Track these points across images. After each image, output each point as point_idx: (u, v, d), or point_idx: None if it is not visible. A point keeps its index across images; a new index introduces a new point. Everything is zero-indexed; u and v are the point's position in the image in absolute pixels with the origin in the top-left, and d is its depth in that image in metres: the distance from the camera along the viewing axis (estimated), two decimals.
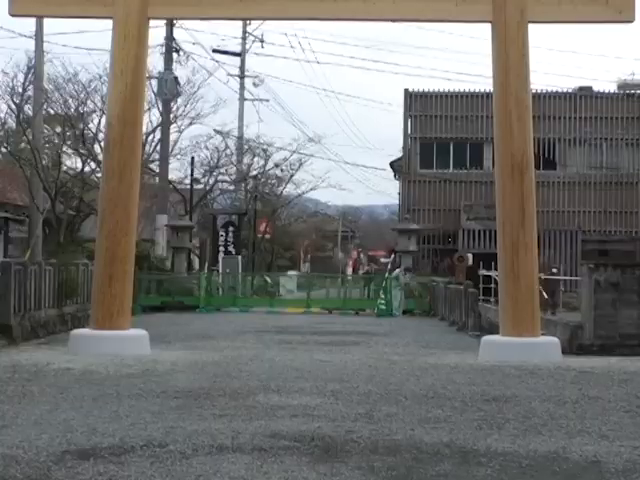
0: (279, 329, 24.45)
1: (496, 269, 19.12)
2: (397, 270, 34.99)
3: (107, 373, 13.18)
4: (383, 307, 33.39)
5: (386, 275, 35.76)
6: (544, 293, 23.51)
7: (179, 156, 48.60)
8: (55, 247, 33.63)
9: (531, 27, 16.68)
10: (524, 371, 14.15)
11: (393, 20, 18.72)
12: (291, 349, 18.17)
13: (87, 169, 39.76)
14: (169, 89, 40.52)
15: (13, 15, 17.51)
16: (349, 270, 67.18)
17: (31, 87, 38.50)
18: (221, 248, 41.23)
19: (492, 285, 27.35)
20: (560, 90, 47.24)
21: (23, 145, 39.85)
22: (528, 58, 16.73)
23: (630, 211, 45.46)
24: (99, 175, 29.19)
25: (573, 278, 30.69)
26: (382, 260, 63.08)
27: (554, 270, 28.50)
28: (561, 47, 68.43)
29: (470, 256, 38.21)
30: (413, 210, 45.60)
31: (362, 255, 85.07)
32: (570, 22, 17.95)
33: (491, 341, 16.85)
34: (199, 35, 62.54)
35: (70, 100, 40.66)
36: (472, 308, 25.42)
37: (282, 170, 53.85)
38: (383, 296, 33.97)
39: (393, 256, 42.45)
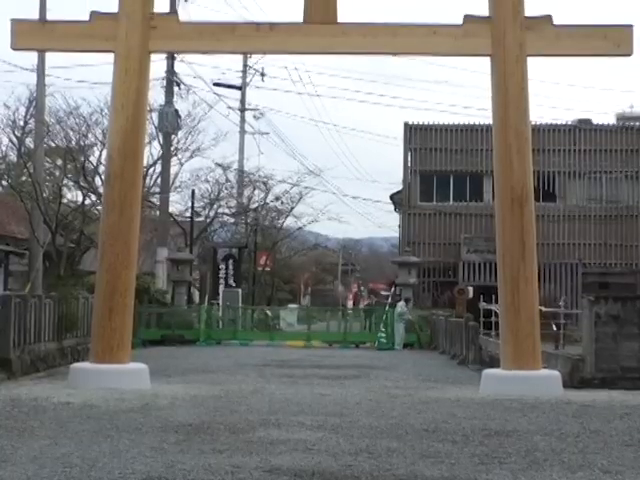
0: (279, 363, 24.39)
1: (497, 302, 19.09)
2: (400, 303, 34.91)
3: (107, 407, 13.13)
4: (384, 340, 33.32)
5: (386, 308, 35.72)
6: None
7: (180, 189, 48.76)
8: (55, 280, 33.61)
9: (530, 60, 16.77)
10: (525, 405, 14.10)
11: (393, 54, 18.79)
12: (291, 383, 18.11)
13: (88, 202, 39.83)
14: (170, 122, 40.64)
15: (15, 49, 17.60)
16: (349, 303, 67.11)
17: (32, 120, 38.65)
18: (221, 281, 41.21)
19: (493, 318, 27.31)
20: (559, 123, 47.39)
21: (24, 178, 39.95)
22: (527, 91, 16.80)
23: (630, 244, 45.43)
24: (100, 208, 29.22)
25: (574, 311, 30.63)
26: (382, 293, 63.00)
27: (561, 304, 28.47)
28: (560, 80, 69.05)
29: (470, 289, 38.15)
30: (413, 243, 45.58)
31: (362, 288, 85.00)
32: (569, 56, 18.05)
33: (492, 375, 16.80)
34: (200, 68, 62.93)
35: (71, 133, 40.81)
36: (473, 341, 25.36)
37: (282, 203, 53.99)
38: (384, 329, 33.92)
39: (393, 289, 42.39)
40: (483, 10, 17.04)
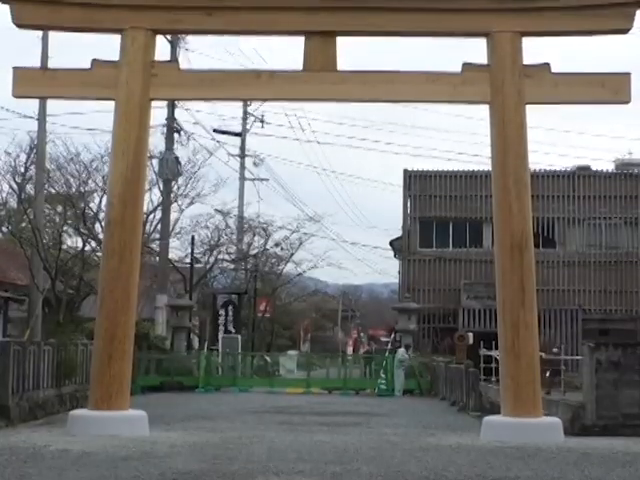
0: (279, 409, 24.29)
1: (497, 348, 19.05)
2: (401, 349, 34.84)
3: (105, 455, 13.05)
4: (384, 387, 33.22)
5: (386, 354, 35.62)
6: (547, 373, 23.41)
7: (179, 235, 48.78)
8: (54, 326, 33.53)
9: (528, 107, 16.86)
10: (526, 452, 14.02)
11: (392, 101, 18.90)
12: (291, 430, 18.02)
13: (87, 248, 39.82)
14: (170, 169, 40.77)
15: (16, 97, 17.70)
16: (349, 349, 66.89)
17: (33, 167, 38.78)
18: (221, 327, 41.13)
19: (493, 364, 27.24)
20: (558, 169, 47.56)
21: (24, 224, 40.00)
22: (526, 138, 16.89)
23: (630, 290, 45.40)
24: (99, 254, 29.24)
25: (574, 357, 30.54)
26: (382, 339, 62.85)
27: (555, 350, 28.40)
28: (558, 127, 69.43)
29: (471, 335, 38.07)
30: (413, 289, 45.54)
31: (362, 334, 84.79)
32: (567, 103, 18.15)
33: (492, 421, 16.73)
34: (200, 115, 63.32)
35: (71, 180, 40.90)
36: (473, 388, 25.28)
37: (282, 249, 54.02)
38: (384, 375, 33.82)
39: (393, 335, 42.32)
40: (482, 58, 17.17)
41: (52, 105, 35.31)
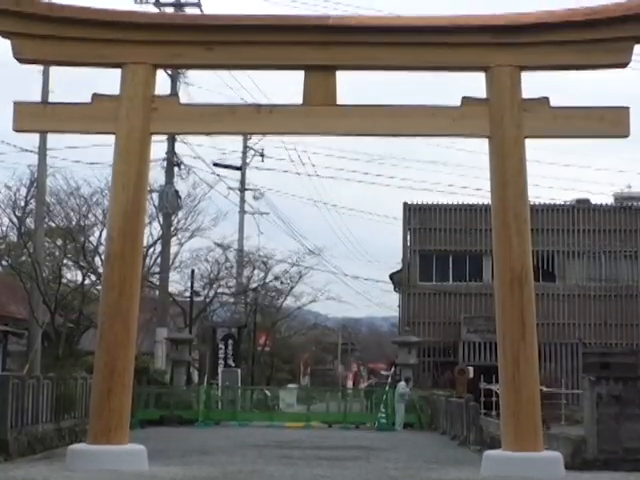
0: (279, 443, 24.18)
1: (497, 382, 19.00)
2: (401, 383, 34.74)
3: None
4: (384, 421, 33.11)
5: (386, 388, 35.52)
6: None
7: (179, 269, 48.78)
8: (54, 360, 33.46)
9: (528, 141, 16.91)
10: None
11: (392, 135, 18.95)
12: (291, 464, 17.93)
13: (87, 282, 39.81)
14: (170, 203, 40.83)
15: (17, 131, 17.77)
16: (349, 383, 66.70)
17: (33, 201, 38.84)
18: (220, 361, 41.02)
19: (494, 398, 27.16)
20: (558, 203, 47.62)
21: (24, 258, 40.00)
22: (526, 172, 16.93)
23: (630, 323, 45.33)
24: (99, 288, 29.21)
25: (575, 391, 30.47)
26: (383, 373, 62.68)
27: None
28: (557, 160, 69.55)
29: (471, 369, 37.98)
30: (413, 322, 45.47)
31: (362, 368, 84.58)
32: (566, 137, 18.21)
33: (493, 456, 16.64)
34: (200, 149, 63.47)
35: (72, 213, 40.96)
36: (473, 422, 25.18)
37: (282, 282, 54.00)
38: (384, 409, 33.71)
39: (393, 369, 42.20)
40: (481, 92, 17.24)
41: (53, 139, 35.38)
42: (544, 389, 21.60)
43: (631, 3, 16.84)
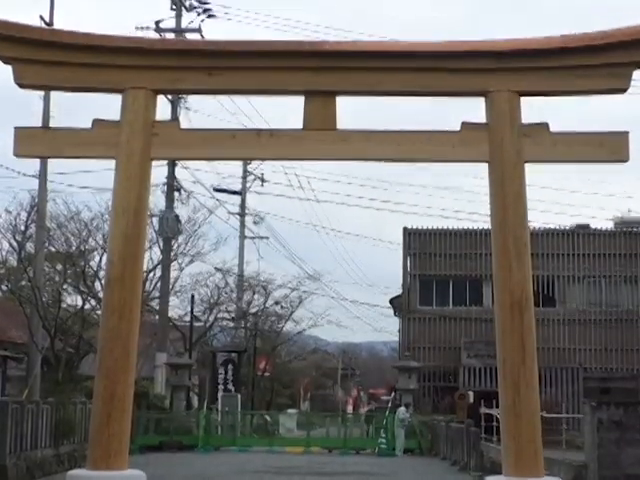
0: (278, 469, 24.12)
1: (497, 407, 18.96)
2: (401, 408, 34.66)
3: None
4: (384, 446, 33.02)
5: (386, 413, 35.44)
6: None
7: (179, 293, 48.76)
8: (53, 385, 33.39)
9: (527, 166, 16.93)
10: None
11: (392, 160, 18.97)
12: None
13: (87, 306, 39.78)
14: (170, 227, 40.89)
15: (18, 156, 17.79)
16: (349, 408, 66.54)
17: (33, 225, 38.88)
18: (220, 386, 40.96)
19: (494, 423, 27.09)
20: (558, 228, 47.70)
21: (24, 283, 39.98)
22: (525, 196, 16.92)
23: (631, 348, 45.29)
24: (99, 312, 29.20)
25: (576, 416, 30.38)
26: (383, 398, 62.57)
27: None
28: (557, 185, 69.79)
29: (471, 394, 37.93)
30: (413, 347, 45.44)
31: (362, 393, 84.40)
32: (566, 162, 18.20)
33: None
34: (200, 174, 63.67)
35: (72, 238, 40.96)
36: (474, 447, 25.12)
37: (282, 307, 53.99)
38: (384, 435, 33.61)
39: (394, 394, 42.15)
40: (480, 117, 17.28)
41: (57, 164, 35.52)
42: (545, 414, 21.55)
43: (631, 29, 16.93)
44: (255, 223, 56.08)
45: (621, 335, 45.51)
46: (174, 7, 42.07)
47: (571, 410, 35.64)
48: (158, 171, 40.78)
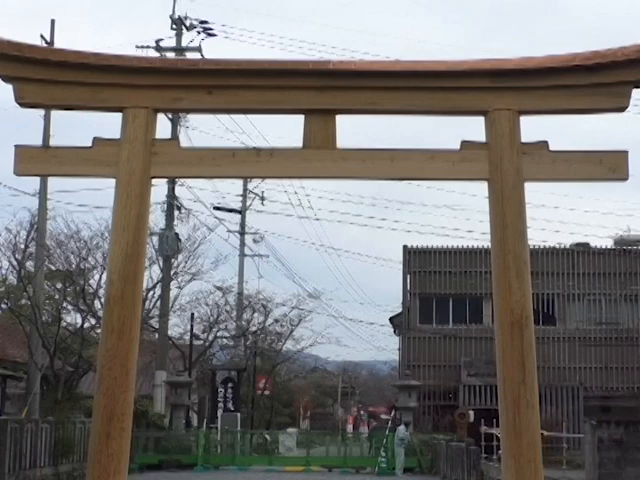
0: None
1: (498, 425, 18.93)
2: (401, 427, 34.59)
3: None
4: (384, 465, 32.92)
5: (386, 432, 35.36)
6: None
7: (179, 312, 48.73)
8: (52, 404, 33.31)
9: (527, 185, 16.95)
10: None
11: (391, 179, 18.95)
12: None
13: (87, 325, 39.74)
14: (170, 246, 40.91)
15: (18, 175, 17.79)
16: (349, 427, 66.38)
17: (33, 244, 38.89)
18: (220, 404, 40.87)
19: (494, 442, 27.02)
20: (557, 246, 47.68)
21: (23, 301, 39.96)
22: (525, 215, 16.93)
23: (631, 367, 45.23)
24: (99, 331, 29.18)
25: (576, 435, 30.31)
26: (383, 417, 62.44)
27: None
28: (556, 204, 70.24)
29: (471, 412, 37.85)
30: (413, 365, 45.37)
31: (362, 412, 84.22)
32: (565, 181, 18.14)
33: None
34: (200, 192, 63.54)
35: (71, 256, 40.95)
36: (474, 466, 25.05)
37: (282, 326, 53.95)
38: (384, 453, 33.53)
39: (393, 412, 42.06)
40: (480, 135, 17.29)
41: (56, 183, 35.55)
42: (545, 433, 21.51)
43: (630, 48, 16.98)
44: (255, 242, 56.16)
45: (621, 353, 45.46)
46: (174, 26, 42.25)
47: (571, 429, 35.59)
48: (158, 189, 40.87)
